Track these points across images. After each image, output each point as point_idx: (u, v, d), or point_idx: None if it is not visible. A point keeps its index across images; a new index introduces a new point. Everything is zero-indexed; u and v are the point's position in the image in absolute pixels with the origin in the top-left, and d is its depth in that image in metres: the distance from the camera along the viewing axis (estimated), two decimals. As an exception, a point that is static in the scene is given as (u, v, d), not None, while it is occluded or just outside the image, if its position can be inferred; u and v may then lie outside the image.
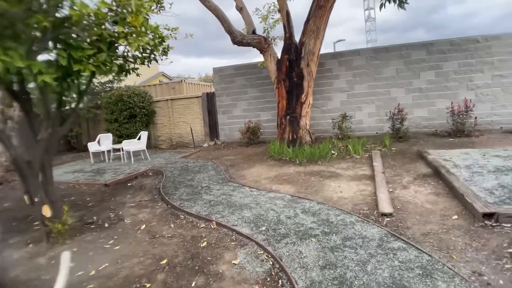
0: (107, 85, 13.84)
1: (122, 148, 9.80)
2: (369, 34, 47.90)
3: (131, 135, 11.85)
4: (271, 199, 5.09)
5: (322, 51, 8.98)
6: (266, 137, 10.78)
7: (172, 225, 4.57)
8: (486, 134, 8.37)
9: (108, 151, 10.44)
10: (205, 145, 11.50)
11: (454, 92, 9.25)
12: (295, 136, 8.48)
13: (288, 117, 8.58)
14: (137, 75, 6.07)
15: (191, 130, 11.73)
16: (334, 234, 3.70)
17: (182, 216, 4.85)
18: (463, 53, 9.09)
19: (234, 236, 3.98)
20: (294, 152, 7.62)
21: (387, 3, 7.21)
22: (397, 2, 7.07)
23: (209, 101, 11.79)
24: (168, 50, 5.03)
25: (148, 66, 5.61)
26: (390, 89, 9.71)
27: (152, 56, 5.48)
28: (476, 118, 8.45)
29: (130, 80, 13.30)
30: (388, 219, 4.05)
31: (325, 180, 5.91)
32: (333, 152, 7.65)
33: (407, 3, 7.08)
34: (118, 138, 11.77)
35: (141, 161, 9.53)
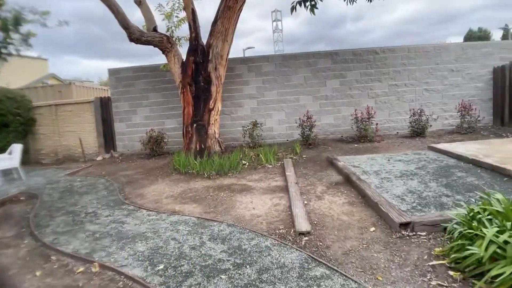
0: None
1: (-16, 166, 7.74)
2: (276, 45, 50.11)
3: (3, 149, 9.61)
4: (173, 224, 4.23)
5: (231, 55, 8.48)
6: (171, 148, 9.79)
7: (38, 273, 3.38)
8: (386, 139, 8.86)
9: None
10: (99, 158, 9.93)
11: (357, 100, 9.66)
12: (203, 146, 7.72)
13: (195, 125, 7.78)
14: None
15: (81, 141, 10.02)
16: (248, 266, 3.05)
17: (54, 258, 3.67)
18: (364, 63, 9.56)
19: (122, 282, 3.03)
20: (202, 164, 6.85)
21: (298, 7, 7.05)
22: (309, 7, 6.94)
23: (104, 107, 10.27)
24: (29, 38, 3.84)
25: (5, 60, 4.27)
26: (299, 96, 9.69)
27: (12, 46, 4.18)
28: (377, 124, 8.89)
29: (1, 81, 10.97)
30: (306, 238, 3.59)
31: (236, 195, 5.28)
32: (244, 162, 7.12)
33: (317, 8, 7.01)
34: (-16, 153, 9.43)
35: (12, 182, 7.64)
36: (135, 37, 7.71)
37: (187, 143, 7.92)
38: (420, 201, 4.19)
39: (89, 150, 10.32)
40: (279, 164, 7.07)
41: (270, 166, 6.93)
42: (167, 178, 6.71)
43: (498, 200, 3.08)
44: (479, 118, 8.85)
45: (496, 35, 38.46)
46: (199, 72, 7.73)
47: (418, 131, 8.75)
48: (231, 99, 9.73)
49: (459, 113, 8.95)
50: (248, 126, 8.95)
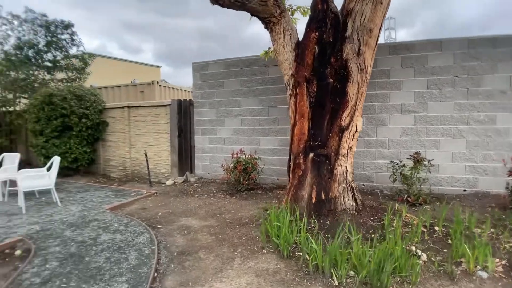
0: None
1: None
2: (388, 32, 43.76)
3: (64, 155, 7.76)
4: None
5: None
6: (267, 179, 6.55)
7: None
8: None
9: (4, 183, 6.30)
10: (169, 182, 7.19)
11: None
12: (323, 196, 4.14)
13: (311, 154, 4.28)
14: None
15: (146, 156, 7.41)
16: None
17: None
18: None
19: None
20: (330, 250, 3.16)
21: None
22: None
23: (183, 113, 7.56)
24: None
25: None
26: (495, 114, 5.33)
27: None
28: None
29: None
30: None
31: None
32: (418, 253, 3.24)
33: None
34: (45, 160, 7.66)
35: (42, 209, 5.36)
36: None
37: (294, 186, 4.42)
38: None
39: (160, 169, 7.76)
40: (502, 269, 3.02)
41: (486, 275, 2.93)
42: (250, 260, 3.31)
43: None
44: None
45: None
46: (326, 59, 4.28)
47: None
48: (367, 111, 5.98)
49: None
50: (400, 161, 5.07)
